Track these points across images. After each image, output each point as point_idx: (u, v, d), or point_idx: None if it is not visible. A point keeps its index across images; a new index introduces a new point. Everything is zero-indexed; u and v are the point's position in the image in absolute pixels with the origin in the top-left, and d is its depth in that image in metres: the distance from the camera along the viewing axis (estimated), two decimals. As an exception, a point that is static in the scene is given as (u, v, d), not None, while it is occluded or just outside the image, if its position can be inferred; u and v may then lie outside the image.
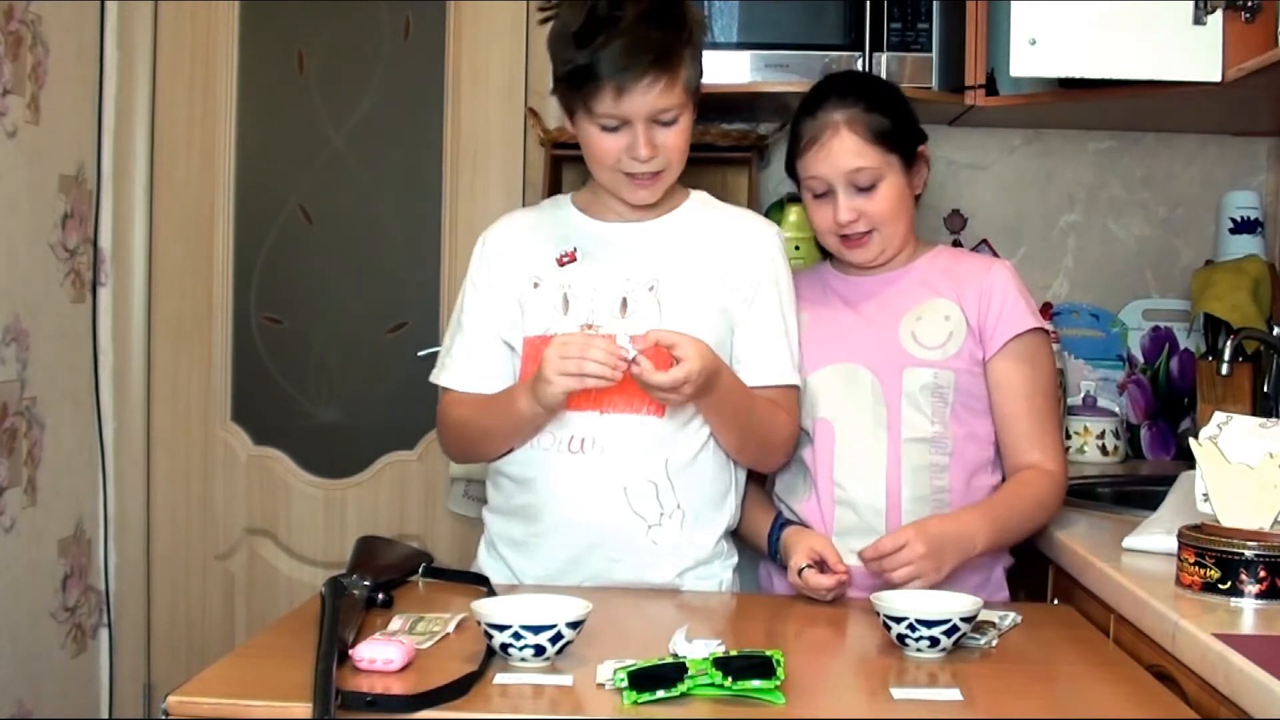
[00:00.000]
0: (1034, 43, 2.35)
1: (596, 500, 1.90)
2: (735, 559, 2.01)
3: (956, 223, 2.94)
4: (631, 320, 1.90)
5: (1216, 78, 2.28)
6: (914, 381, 1.97)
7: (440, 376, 2.01)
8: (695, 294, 1.93)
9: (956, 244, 2.89)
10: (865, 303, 2.05)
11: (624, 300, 1.91)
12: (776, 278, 1.99)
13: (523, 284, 1.96)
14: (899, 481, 1.96)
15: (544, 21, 1.93)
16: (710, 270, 1.96)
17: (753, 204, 2.78)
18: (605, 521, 1.90)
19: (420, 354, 3.00)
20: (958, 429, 1.98)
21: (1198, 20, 2.28)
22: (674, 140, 1.88)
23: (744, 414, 1.91)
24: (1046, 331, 2.04)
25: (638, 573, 1.91)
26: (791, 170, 2.06)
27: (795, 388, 1.98)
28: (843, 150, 1.96)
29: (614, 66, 1.80)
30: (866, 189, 1.97)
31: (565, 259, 1.96)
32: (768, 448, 1.97)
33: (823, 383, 2.00)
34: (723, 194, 2.82)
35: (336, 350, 3.05)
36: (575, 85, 1.84)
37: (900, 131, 1.99)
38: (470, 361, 1.98)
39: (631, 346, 1.81)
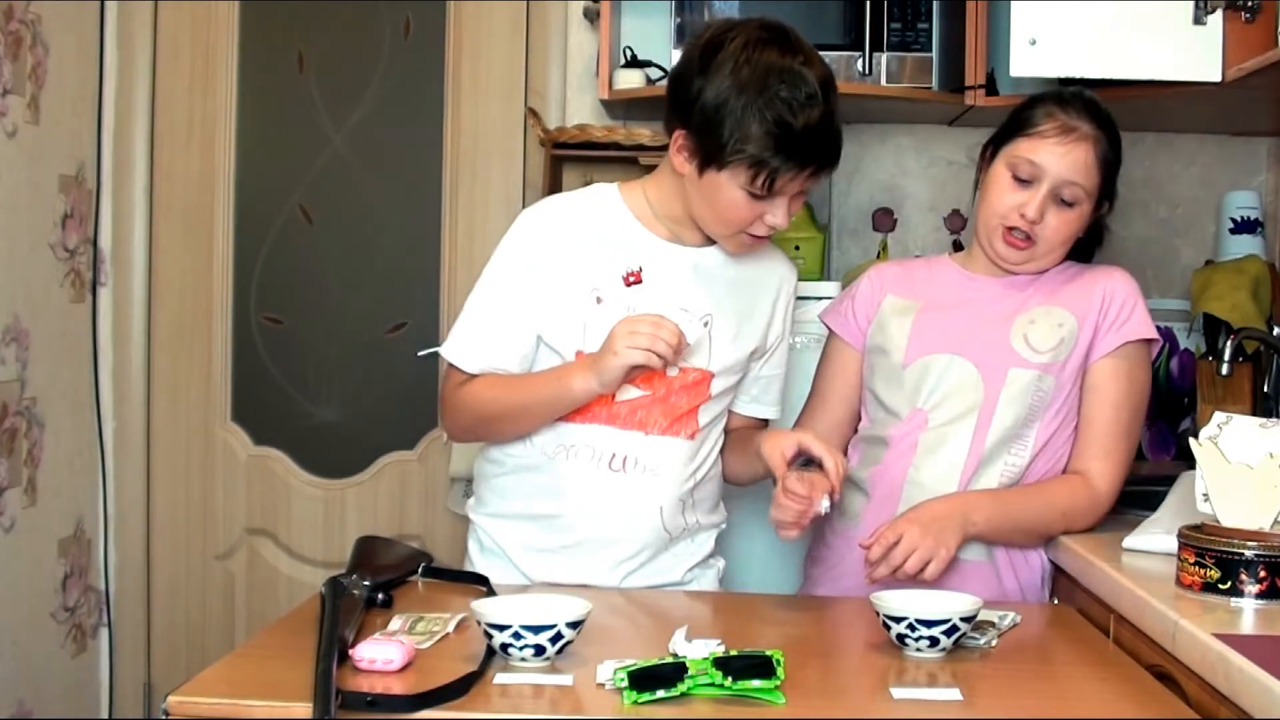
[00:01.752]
0: (1034, 43, 2.35)
1: (634, 517, 1.92)
2: (723, 561, 2.08)
3: (957, 223, 2.94)
4: (684, 351, 1.88)
5: (1216, 78, 2.28)
6: (1016, 382, 1.97)
7: (463, 358, 1.93)
8: (740, 336, 1.97)
9: (957, 245, 2.88)
10: (983, 302, 2.04)
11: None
12: (791, 319, 2.06)
13: (582, 294, 1.90)
14: (974, 473, 1.96)
15: (703, 70, 1.81)
16: (752, 309, 1.99)
17: (753, 204, 2.78)
18: (639, 537, 1.93)
19: (420, 354, 2.99)
20: (1043, 436, 1.98)
21: (1198, 20, 2.28)
22: (795, 209, 1.89)
23: (757, 459, 1.98)
24: (1150, 343, 2.03)
25: (651, 578, 1.96)
26: (998, 142, 2.02)
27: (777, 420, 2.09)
28: (1078, 160, 1.95)
29: (811, 167, 1.81)
30: (1065, 204, 1.97)
31: (631, 279, 1.92)
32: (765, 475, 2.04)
33: (925, 371, 2.00)
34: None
35: (336, 350, 3.05)
36: (759, 167, 1.79)
37: (1114, 178, 2.02)
38: (503, 348, 1.92)
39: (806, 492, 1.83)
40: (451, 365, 1.96)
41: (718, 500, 2.05)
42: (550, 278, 1.91)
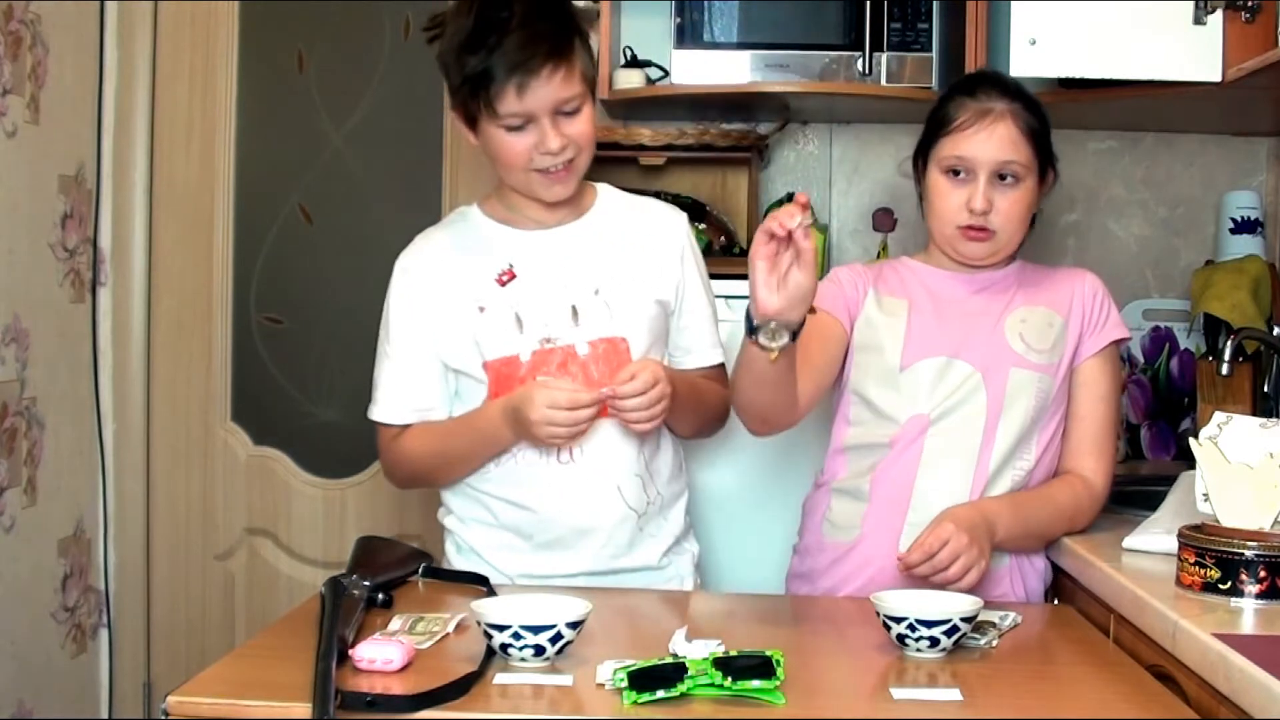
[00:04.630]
0: (1034, 43, 2.35)
1: (595, 504, 1.93)
2: (698, 546, 2.09)
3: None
4: (585, 328, 1.92)
5: (1216, 78, 2.29)
6: (1018, 382, 1.96)
7: (390, 414, 1.99)
8: (636, 291, 1.97)
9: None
10: (967, 300, 2.02)
11: (574, 309, 1.93)
12: (696, 263, 2.05)
13: (465, 309, 1.93)
14: (985, 480, 1.94)
15: (431, 41, 1.91)
16: (643, 265, 1.99)
17: (752, 204, 2.79)
18: (606, 522, 1.94)
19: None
20: (1044, 438, 1.98)
21: (1198, 20, 2.29)
22: (580, 129, 1.89)
23: (696, 403, 1.99)
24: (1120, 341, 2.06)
25: (630, 561, 1.97)
26: (925, 149, 2.01)
27: (723, 364, 2.06)
28: (1003, 138, 1.93)
29: (512, 62, 1.81)
30: (1008, 185, 1.95)
31: (505, 278, 1.94)
32: (714, 422, 2.07)
33: (924, 373, 1.97)
34: (723, 194, 2.85)
35: (336, 350, 3.05)
36: (475, 90, 1.83)
37: (1047, 139, 1.99)
38: (407, 393, 1.98)
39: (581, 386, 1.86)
40: (380, 424, 2.00)
41: (678, 468, 2.04)
42: (435, 308, 1.95)
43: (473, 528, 2.00)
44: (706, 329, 2.05)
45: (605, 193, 2.05)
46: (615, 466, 1.93)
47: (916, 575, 1.79)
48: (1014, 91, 1.98)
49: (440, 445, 1.97)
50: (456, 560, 2.02)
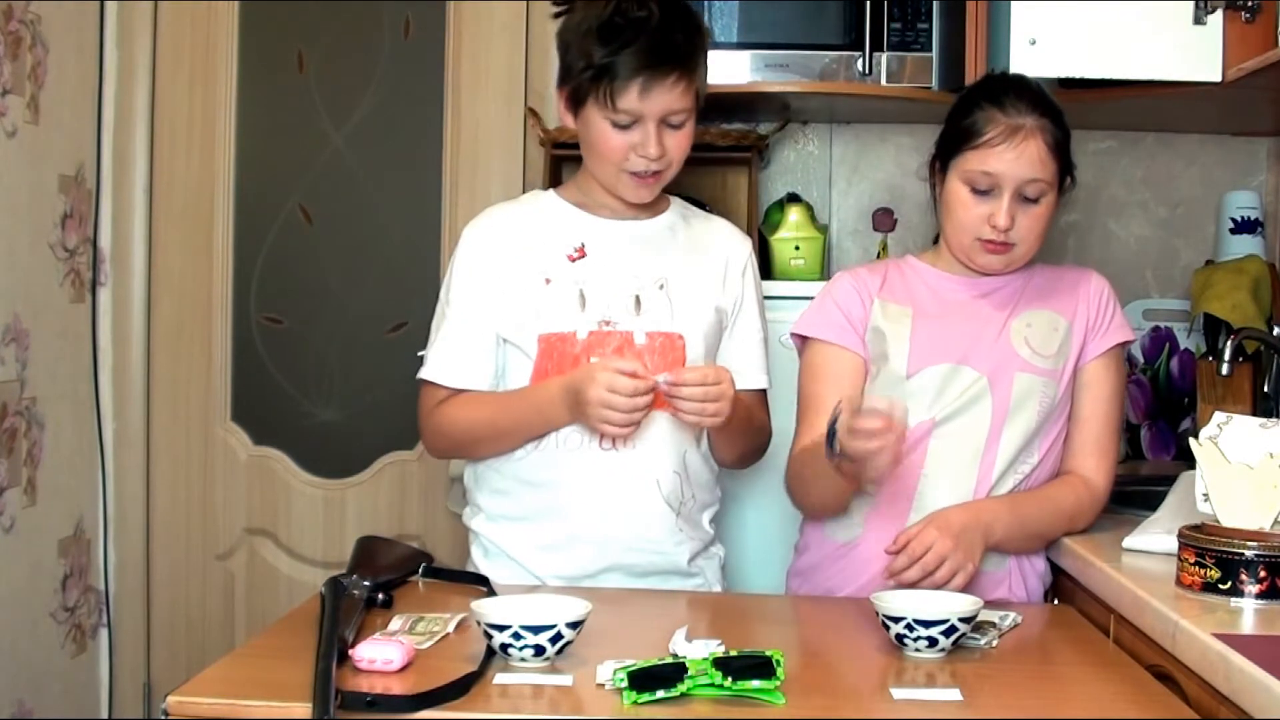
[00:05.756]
0: (1034, 43, 2.35)
1: (633, 495, 1.93)
2: (724, 549, 2.09)
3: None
4: (646, 318, 1.93)
5: (1216, 78, 2.29)
6: (1023, 387, 1.95)
7: (443, 374, 1.98)
8: (699, 293, 1.98)
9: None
10: (972, 304, 2.01)
11: (637, 298, 1.94)
12: (756, 286, 2.07)
13: (531, 280, 1.94)
14: (989, 482, 1.94)
15: (557, 15, 1.93)
16: (707, 270, 2.01)
17: (752, 204, 2.79)
18: (641, 515, 1.94)
19: (420, 354, 2.99)
20: (1046, 441, 1.97)
21: (1198, 20, 2.29)
22: (680, 143, 1.92)
23: (747, 427, 1.99)
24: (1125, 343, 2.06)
25: (662, 560, 1.96)
26: (946, 156, 1.97)
27: (766, 390, 2.06)
28: (1031, 158, 1.90)
29: (643, 62, 1.83)
30: (1030, 201, 1.93)
31: (576, 254, 1.96)
32: (755, 452, 2.07)
33: (931, 380, 1.96)
34: (723, 194, 2.85)
35: (336, 350, 3.05)
36: (597, 79, 1.85)
37: (1068, 154, 1.97)
38: (460, 357, 1.97)
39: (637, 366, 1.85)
40: (429, 384, 2.00)
41: (712, 478, 2.04)
42: (502, 277, 1.95)
43: (502, 525, 1.99)
44: (757, 351, 2.05)
45: (678, 203, 2.08)
46: (657, 461, 1.93)
47: (905, 581, 1.79)
48: (1043, 104, 1.94)
49: (491, 415, 1.95)
50: (484, 565, 2.00)
